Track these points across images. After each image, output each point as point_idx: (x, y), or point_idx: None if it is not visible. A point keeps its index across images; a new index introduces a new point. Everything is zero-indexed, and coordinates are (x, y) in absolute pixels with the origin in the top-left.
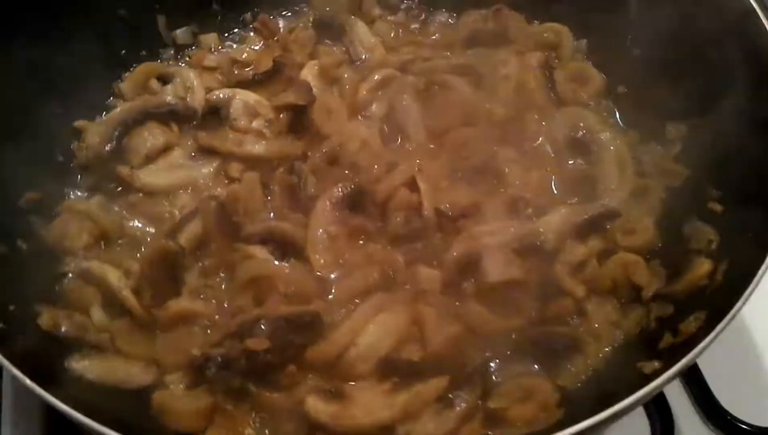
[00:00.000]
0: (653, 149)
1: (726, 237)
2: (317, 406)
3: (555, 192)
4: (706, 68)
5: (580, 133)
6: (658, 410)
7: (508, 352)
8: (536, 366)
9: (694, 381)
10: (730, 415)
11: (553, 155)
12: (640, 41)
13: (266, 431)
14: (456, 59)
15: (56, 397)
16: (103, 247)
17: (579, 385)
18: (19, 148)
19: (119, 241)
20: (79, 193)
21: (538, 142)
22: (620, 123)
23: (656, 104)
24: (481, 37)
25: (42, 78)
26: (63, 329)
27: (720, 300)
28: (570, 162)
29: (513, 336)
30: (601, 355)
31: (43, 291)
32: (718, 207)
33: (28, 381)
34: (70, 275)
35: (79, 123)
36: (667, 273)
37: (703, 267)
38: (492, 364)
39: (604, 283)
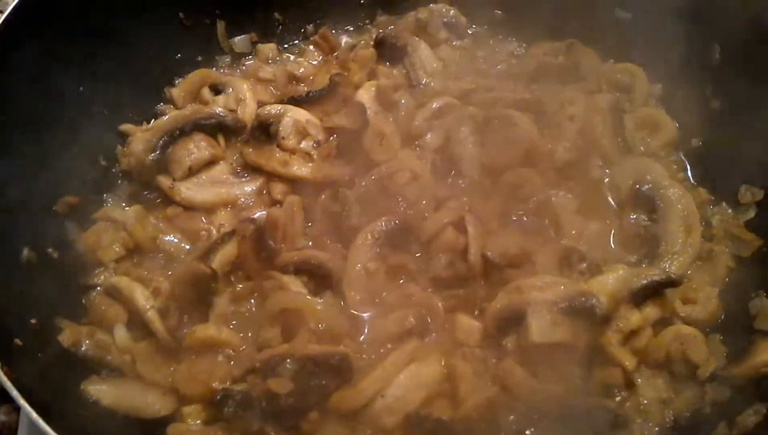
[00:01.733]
0: (724, 212)
1: None
2: None
3: (613, 247)
4: None
5: (646, 186)
6: None
7: (546, 421)
8: None
9: None
10: None
11: (614, 207)
12: (721, 92)
13: None
14: (520, 93)
15: (63, 430)
16: (134, 260)
17: None
18: (63, 148)
19: (152, 256)
20: (117, 201)
21: (599, 191)
22: (690, 179)
23: (733, 163)
24: (550, 72)
25: (94, 76)
26: (83, 348)
27: None
28: (632, 216)
29: (553, 403)
30: None
31: (68, 304)
32: None
33: (34, 415)
34: (98, 289)
35: (124, 126)
36: (728, 352)
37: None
38: (527, 432)
39: (658, 355)
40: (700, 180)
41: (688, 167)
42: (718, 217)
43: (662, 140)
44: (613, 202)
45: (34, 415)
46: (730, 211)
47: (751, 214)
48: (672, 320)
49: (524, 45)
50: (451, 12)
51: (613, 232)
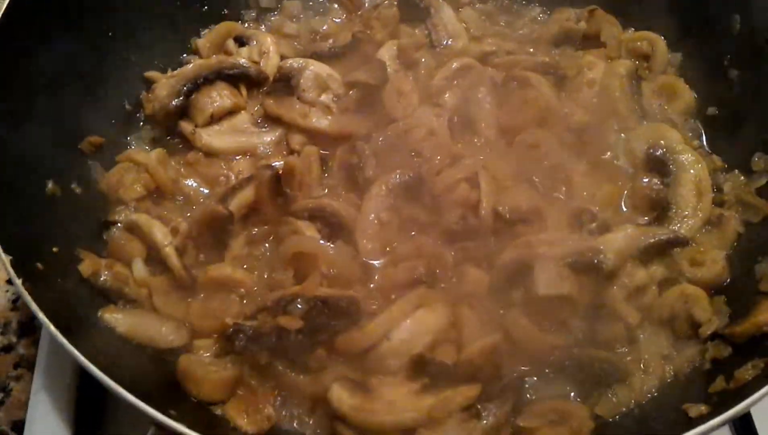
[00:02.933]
0: (736, 179)
1: None
2: (341, 396)
3: (624, 209)
4: None
5: (660, 150)
6: None
7: (547, 371)
8: (575, 389)
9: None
10: None
11: (628, 170)
12: (738, 62)
13: (285, 413)
14: (540, 56)
15: (80, 348)
16: (155, 201)
17: (618, 417)
18: (90, 91)
19: (172, 198)
20: (141, 144)
21: (614, 155)
22: (705, 146)
23: (747, 131)
24: (571, 37)
25: (123, 23)
26: (102, 278)
27: None
28: (645, 180)
29: (555, 354)
30: (646, 389)
31: (89, 237)
32: None
33: (52, 328)
34: (119, 225)
35: (149, 73)
36: (731, 312)
37: None
38: (528, 381)
39: (662, 313)
40: (715, 147)
41: (704, 135)
42: (730, 183)
43: (679, 108)
44: (627, 166)
45: (52, 328)
46: (742, 178)
47: (763, 181)
48: (678, 280)
49: (547, 12)
50: None
51: (625, 194)
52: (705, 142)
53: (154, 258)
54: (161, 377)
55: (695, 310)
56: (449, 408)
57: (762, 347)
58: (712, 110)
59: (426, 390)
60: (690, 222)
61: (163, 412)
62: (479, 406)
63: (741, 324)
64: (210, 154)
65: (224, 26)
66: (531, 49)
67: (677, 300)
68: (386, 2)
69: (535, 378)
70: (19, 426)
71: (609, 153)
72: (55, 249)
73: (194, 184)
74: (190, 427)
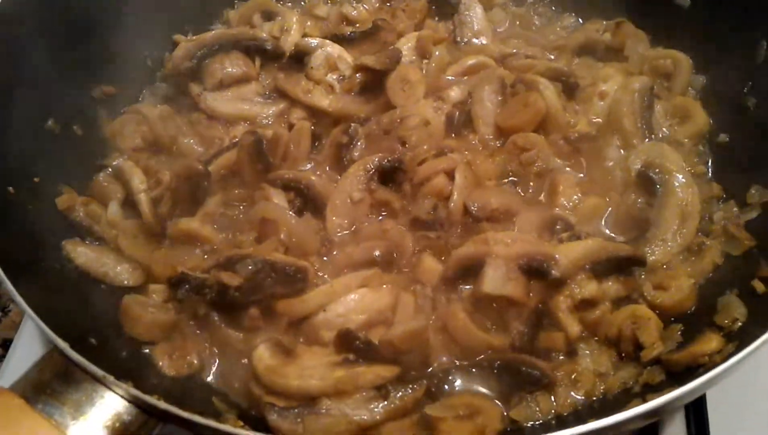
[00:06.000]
0: (728, 209)
1: (751, 320)
2: (262, 355)
3: (603, 225)
4: None
5: (653, 170)
6: None
7: (475, 369)
8: (497, 389)
9: None
10: None
11: (619, 187)
12: (758, 91)
13: (210, 363)
14: (556, 63)
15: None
16: (150, 153)
17: (532, 423)
18: (117, 43)
19: (167, 153)
20: (152, 100)
21: (608, 170)
22: (709, 172)
23: (753, 162)
24: (595, 48)
25: None
26: (75, 214)
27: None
28: (632, 197)
29: (487, 353)
30: (569, 402)
31: (76, 177)
32: (761, 287)
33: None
34: (109, 170)
35: (177, 36)
36: (681, 341)
37: (710, 343)
38: (452, 373)
39: (610, 331)
40: (718, 175)
41: (710, 161)
42: (721, 213)
43: (690, 131)
44: (618, 183)
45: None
46: (735, 209)
47: (754, 214)
48: (637, 301)
49: (580, 21)
50: None
51: (608, 210)
52: (710, 169)
53: (130, 203)
54: (106, 312)
55: (641, 333)
56: (357, 383)
57: (689, 377)
58: (723, 137)
59: (344, 363)
60: (667, 246)
61: (73, 338)
62: (390, 388)
63: (680, 352)
64: (212, 116)
65: (257, 0)
66: (552, 56)
67: (626, 320)
68: None
69: (460, 372)
70: (7, 344)
71: (603, 167)
72: (36, 179)
73: (191, 142)
74: (108, 359)
